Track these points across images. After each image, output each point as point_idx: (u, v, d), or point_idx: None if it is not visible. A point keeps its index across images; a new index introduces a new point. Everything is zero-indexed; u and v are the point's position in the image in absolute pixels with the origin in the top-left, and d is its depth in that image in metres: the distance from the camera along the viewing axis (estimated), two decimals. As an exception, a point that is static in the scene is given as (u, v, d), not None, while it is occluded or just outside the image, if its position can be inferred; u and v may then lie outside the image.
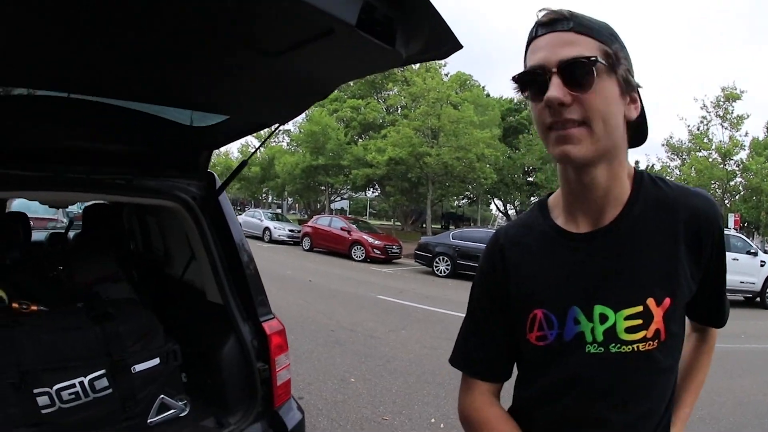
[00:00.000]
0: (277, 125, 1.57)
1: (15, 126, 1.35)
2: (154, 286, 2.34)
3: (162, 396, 1.66)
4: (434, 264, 10.99)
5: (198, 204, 1.68)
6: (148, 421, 1.63)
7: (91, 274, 2.17)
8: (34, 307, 1.66)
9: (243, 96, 1.25)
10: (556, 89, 0.60)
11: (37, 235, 3.63)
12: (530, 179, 22.30)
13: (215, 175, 1.87)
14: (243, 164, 1.69)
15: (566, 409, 0.70)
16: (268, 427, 1.67)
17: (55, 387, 1.44)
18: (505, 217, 24.62)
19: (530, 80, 0.65)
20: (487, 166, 18.98)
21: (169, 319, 1.80)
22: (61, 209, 6.93)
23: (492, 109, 20.63)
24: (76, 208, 8.89)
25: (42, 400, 1.41)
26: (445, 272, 10.77)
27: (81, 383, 1.50)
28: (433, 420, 3.12)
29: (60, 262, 2.25)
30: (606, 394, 0.68)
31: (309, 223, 15.48)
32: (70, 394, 1.47)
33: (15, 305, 1.61)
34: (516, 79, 0.67)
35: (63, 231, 3.96)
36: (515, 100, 22.29)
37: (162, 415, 1.65)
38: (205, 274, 1.77)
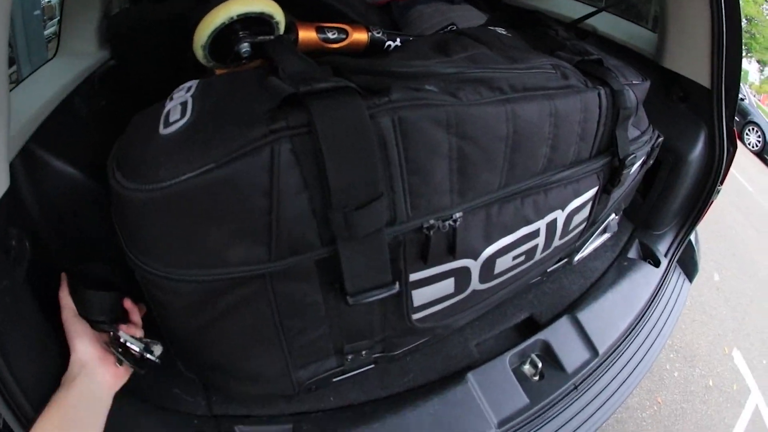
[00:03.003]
0: None
1: None
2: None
3: (613, 215, 0.96)
4: None
5: None
6: (576, 259, 0.96)
7: None
8: (360, 35, 0.76)
9: None
10: None
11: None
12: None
13: None
14: None
15: None
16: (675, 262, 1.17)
17: (486, 255, 0.63)
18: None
19: None
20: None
21: None
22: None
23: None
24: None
25: (422, 295, 0.61)
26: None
27: (551, 225, 0.69)
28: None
29: None
30: None
31: None
32: (514, 259, 0.68)
33: (310, 32, 0.72)
34: None
35: None
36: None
37: (587, 248, 0.99)
38: (674, 21, 1.05)
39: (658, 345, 0.99)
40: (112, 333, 0.54)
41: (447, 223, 0.55)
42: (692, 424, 1.94)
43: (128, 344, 0.54)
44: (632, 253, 1.08)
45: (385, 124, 0.48)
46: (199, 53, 0.66)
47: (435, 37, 0.70)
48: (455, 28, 1.11)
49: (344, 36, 0.75)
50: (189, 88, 0.53)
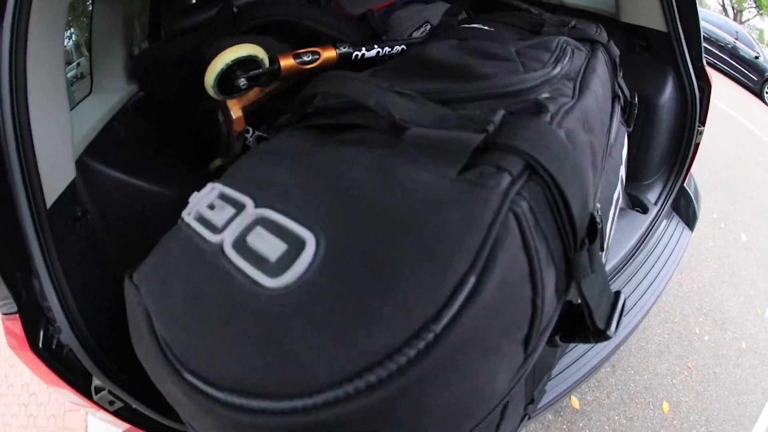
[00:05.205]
0: None
1: None
2: None
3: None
4: None
5: None
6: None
7: None
8: (329, 53, 0.89)
9: None
10: None
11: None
12: None
13: None
14: None
15: None
16: (672, 211, 1.19)
17: (607, 233, 0.65)
18: None
19: None
20: None
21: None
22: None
23: None
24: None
25: None
26: None
27: (621, 180, 0.73)
28: (714, 215, 3.08)
29: None
30: None
31: None
32: (612, 226, 0.70)
33: (289, 60, 0.86)
34: None
35: None
36: None
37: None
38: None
39: (656, 288, 1.00)
40: None
41: (597, 220, 0.52)
42: (726, 389, 1.86)
43: None
44: (622, 203, 1.09)
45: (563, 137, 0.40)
46: (211, 92, 0.84)
47: (454, 51, 0.59)
48: (429, 26, 1.19)
49: (317, 56, 0.89)
50: (240, 205, 0.32)
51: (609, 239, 0.66)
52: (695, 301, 2.21)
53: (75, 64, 1.38)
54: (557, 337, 0.40)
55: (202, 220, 0.33)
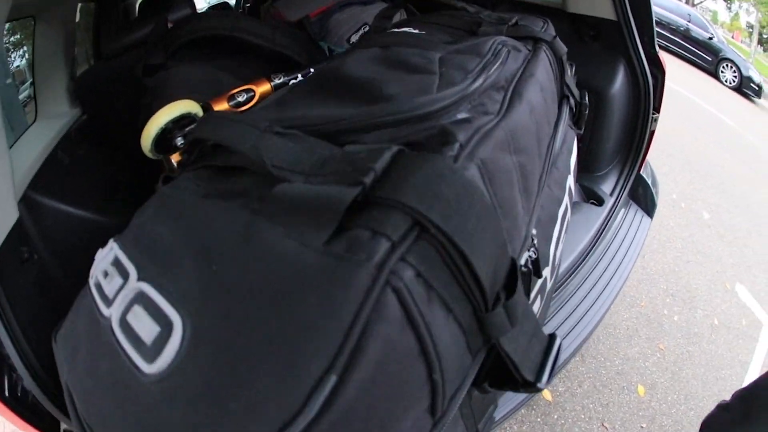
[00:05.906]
0: None
1: None
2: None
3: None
4: None
5: None
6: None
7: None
8: (264, 87, 0.86)
9: None
10: None
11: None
12: None
13: None
14: None
15: None
16: (630, 200, 1.19)
17: (551, 253, 0.58)
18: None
19: None
20: None
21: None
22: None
23: None
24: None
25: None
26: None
27: (569, 192, 0.67)
28: (674, 196, 3.14)
29: None
30: None
31: None
32: (559, 244, 0.63)
33: (222, 104, 0.83)
34: None
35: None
36: None
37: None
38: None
39: (617, 280, 0.99)
40: None
41: (532, 249, 0.46)
42: (702, 366, 1.89)
43: None
44: (573, 198, 1.09)
45: (473, 174, 0.35)
46: (149, 155, 0.80)
47: (371, 63, 0.52)
48: (368, 28, 1.16)
49: (252, 94, 0.85)
50: (126, 274, 0.32)
51: (556, 260, 0.59)
52: (661, 283, 2.24)
53: (29, 83, 1.33)
54: (486, 385, 0.37)
55: (99, 289, 0.33)
